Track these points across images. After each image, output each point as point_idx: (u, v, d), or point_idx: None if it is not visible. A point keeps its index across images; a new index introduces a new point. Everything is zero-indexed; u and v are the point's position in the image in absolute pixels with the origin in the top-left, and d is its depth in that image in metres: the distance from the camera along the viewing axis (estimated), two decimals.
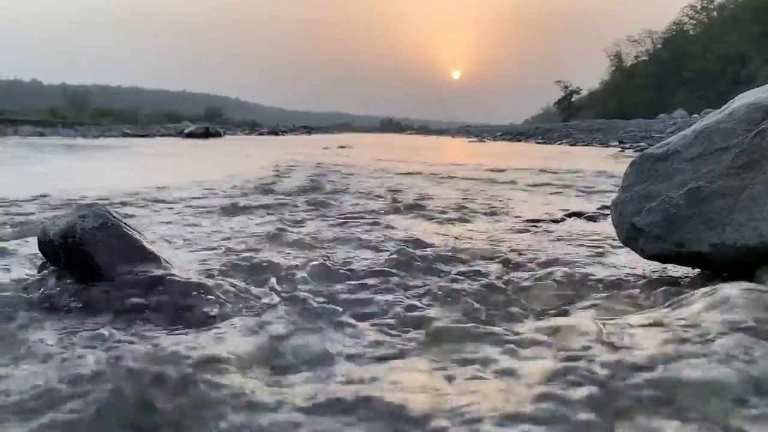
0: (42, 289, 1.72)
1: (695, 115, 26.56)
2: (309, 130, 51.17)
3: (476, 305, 1.70)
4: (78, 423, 0.94)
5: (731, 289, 1.28)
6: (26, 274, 1.90)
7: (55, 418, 0.94)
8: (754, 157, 1.68)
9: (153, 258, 1.85)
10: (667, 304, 1.41)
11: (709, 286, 1.42)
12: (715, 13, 61.55)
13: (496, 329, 1.34)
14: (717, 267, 1.79)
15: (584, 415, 0.90)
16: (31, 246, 2.20)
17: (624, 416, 0.90)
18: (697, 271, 1.90)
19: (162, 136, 25.63)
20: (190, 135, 23.85)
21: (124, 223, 1.94)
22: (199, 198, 4.30)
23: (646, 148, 2.07)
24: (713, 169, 1.77)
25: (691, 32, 63.73)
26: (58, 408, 0.98)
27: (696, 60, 53.38)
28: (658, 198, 1.86)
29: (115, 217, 1.92)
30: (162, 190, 4.69)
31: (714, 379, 0.93)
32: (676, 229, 1.80)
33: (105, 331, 1.40)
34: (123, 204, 3.90)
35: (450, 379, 1.08)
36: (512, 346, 1.21)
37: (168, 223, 3.16)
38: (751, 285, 1.31)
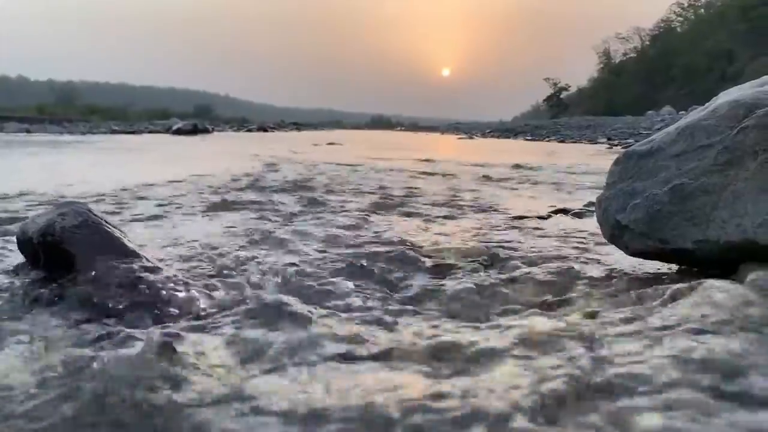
0: (20, 289, 1.69)
1: (682, 112, 26.70)
2: (298, 126, 50.98)
3: (460, 303, 1.69)
4: (47, 423, 0.92)
5: (714, 287, 1.28)
6: (4, 274, 1.87)
7: (21, 419, 0.93)
8: (737, 154, 1.68)
9: (134, 256, 1.82)
10: (650, 301, 1.41)
11: (693, 283, 1.42)
12: (702, 10, 62.02)
13: (480, 327, 1.33)
14: (701, 263, 1.79)
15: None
16: (10, 245, 2.16)
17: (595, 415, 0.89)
18: (681, 267, 1.90)
19: (150, 132, 25.48)
20: (178, 132, 23.71)
21: (105, 221, 1.91)
22: (183, 195, 4.27)
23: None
24: (697, 165, 1.76)
25: (678, 29, 64.18)
26: (25, 407, 0.96)
27: (683, 57, 53.74)
28: (642, 195, 1.86)
29: (95, 215, 1.90)
30: (146, 187, 4.66)
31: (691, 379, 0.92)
32: (660, 225, 1.80)
33: (83, 331, 1.38)
34: (106, 201, 3.86)
35: (431, 378, 1.07)
36: (495, 344, 1.20)
37: (151, 220, 3.13)
38: (732, 283, 1.30)
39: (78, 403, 0.99)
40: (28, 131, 22.20)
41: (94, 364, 1.12)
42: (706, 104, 1.98)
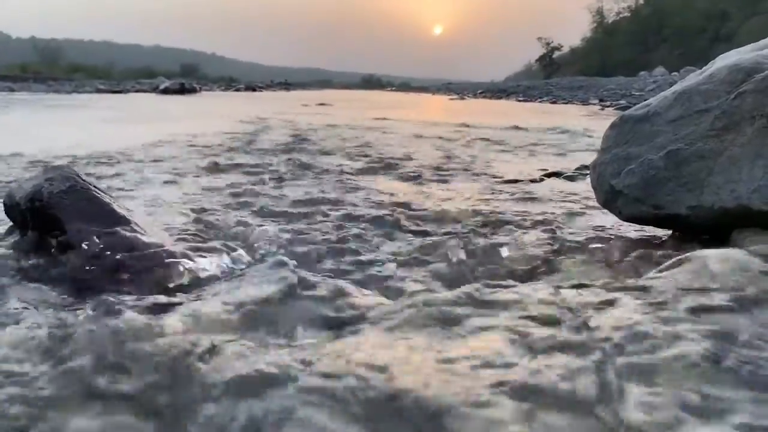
0: (9, 255, 1.67)
1: (675, 73, 26.58)
2: (287, 86, 50.30)
3: (450, 268, 1.69)
4: (36, 394, 0.91)
5: (710, 253, 1.28)
6: None
7: (9, 390, 0.92)
8: (734, 119, 1.67)
9: (124, 222, 1.80)
10: (642, 268, 1.41)
11: (686, 249, 1.42)
12: None
13: (469, 292, 1.33)
14: (695, 229, 1.79)
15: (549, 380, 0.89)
16: None
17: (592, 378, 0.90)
18: (674, 233, 1.90)
19: (136, 91, 25.10)
20: (165, 91, 23.36)
21: (94, 186, 1.88)
22: (174, 157, 4.22)
23: (626, 106, 2.05)
24: (693, 131, 1.75)
25: None
26: (14, 378, 0.95)
27: (677, 17, 53.21)
28: (637, 160, 1.85)
29: (84, 180, 1.86)
30: (136, 149, 4.60)
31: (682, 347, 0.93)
32: (655, 191, 1.80)
33: (72, 298, 1.37)
34: (95, 163, 3.81)
35: (416, 344, 1.07)
36: (484, 309, 1.20)
37: (141, 183, 3.10)
38: (728, 250, 1.30)
39: (68, 370, 0.98)
40: (11, 90, 21.79)
41: (78, 332, 1.11)
42: (704, 68, 1.96)
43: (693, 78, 1.89)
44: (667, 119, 1.82)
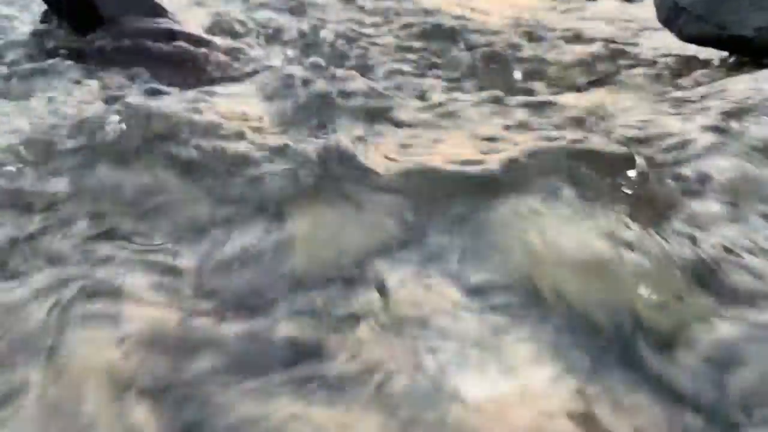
0: (46, 38, 1.67)
1: None
2: None
3: (496, 76, 1.64)
4: (80, 160, 0.95)
5: None
6: (28, 22, 1.83)
7: (59, 158, 0.96)
8: None
9: (160, 11, 1.76)
10: (696, 82, 1.34)
11: (747, 71, 1.34)
12: None
13: (516, 99, 1.29)
14: (759, 53, 1.67)
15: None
16: None
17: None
18: (736, 57, 1.78)
19: None
20: None
21: None
22: None
23: None
24: None
25: None
26: (62, 147, 0.99)
27: None
28: None
29: None
30: None
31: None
32: (721, 9, 1.66)
33: (110, 82, 1.37)
34: None
35: (470, 142, 1.07)
36: (519, 110, 1.17)
37: None
38: None
39: (103, 142, 1.01)
40: None
41: (115, 109, 1.12)
42: None
43: None
44: None
